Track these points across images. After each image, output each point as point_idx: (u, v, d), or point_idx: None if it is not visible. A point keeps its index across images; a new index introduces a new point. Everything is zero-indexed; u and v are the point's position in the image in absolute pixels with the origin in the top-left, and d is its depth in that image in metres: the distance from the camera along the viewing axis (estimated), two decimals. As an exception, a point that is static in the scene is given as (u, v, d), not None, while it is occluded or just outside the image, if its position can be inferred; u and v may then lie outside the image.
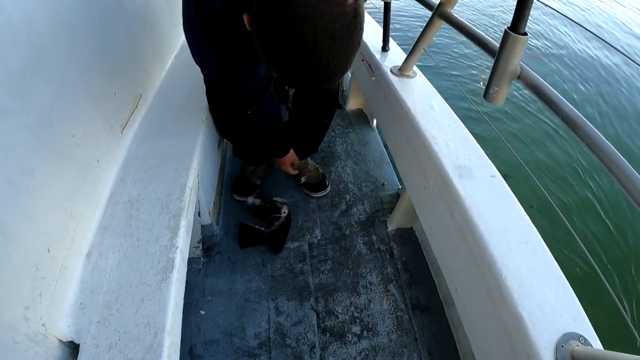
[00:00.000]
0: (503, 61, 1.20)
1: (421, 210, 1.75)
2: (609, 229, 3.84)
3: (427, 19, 1.73)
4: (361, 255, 2.06)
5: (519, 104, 5.44)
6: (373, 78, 2.18)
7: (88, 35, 1.33)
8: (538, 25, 8.44)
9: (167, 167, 1.54)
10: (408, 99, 1.82)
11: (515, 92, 5.50)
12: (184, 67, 2.09)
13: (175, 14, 2.13)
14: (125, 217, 1.37)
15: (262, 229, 2.03)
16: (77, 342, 1.07)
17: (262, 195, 2.21)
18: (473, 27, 1.51)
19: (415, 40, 1.84)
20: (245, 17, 0.92)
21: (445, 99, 1.85)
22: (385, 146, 2.66)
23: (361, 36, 0.83)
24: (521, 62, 1.22)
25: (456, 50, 6.85)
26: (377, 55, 2.20)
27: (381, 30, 2.20)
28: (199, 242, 1.96)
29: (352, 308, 1.85)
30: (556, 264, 1.19)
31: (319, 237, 2.13)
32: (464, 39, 1.56)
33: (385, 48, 2.22)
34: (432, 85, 1.96)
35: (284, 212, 2.09)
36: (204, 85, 1.75)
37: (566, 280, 1.15)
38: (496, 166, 1.51)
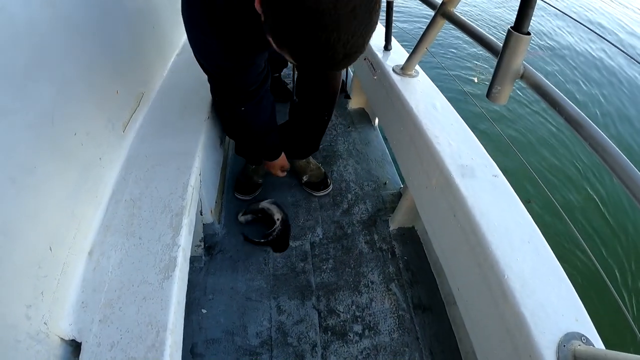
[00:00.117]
0: (506, 61, 1.21)
1: (423, 210, 1.75)
2: (612, 229, 3.83)
3: (430, 18, 1.72)
4: (363, 255, 2.06)
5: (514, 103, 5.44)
6: (375, 77, 2.18)
7: (90, 33, 1.33)
8: (540, 24, 8.43)
9: (169, 166, 1.54)
10: (410, 98, 1.82)
11: (516, 92, 5.49)
12: (186, 66, 2.09)
13: (177, 13, 2.13)
14: (127, 216, 1.36)
15: (262, 240, 2.04)
16: (79, 340, 1.07)
17: (252, 205, 2.18)
18: (476, 26, 1.51)
19: (418, 39, 1.84)
20: None
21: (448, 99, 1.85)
22: (387, 145, 2.66)
23: (378, 17, 0.82)
24: (524, 62, 1.22)
25: (457, 49, 6.85)
26: (380, 54, 2.20)
27: (383, 29, 2.19)
28: (200, 241, 1.97)
29: (354, 307, 1.85)
30: (558, 263, 1.19)
31: (321, 236, 2.13)
32: (467, 38, 1.55)
33: (387, 47, 2.22)
34: (434, 85, 1.95)
35: (278, 219, 2.09)
36: (207, 84, 1.73)
37: (568, 280, 1.15)
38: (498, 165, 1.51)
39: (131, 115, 1.63)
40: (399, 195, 2.33)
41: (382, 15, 2.14)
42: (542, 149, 4.76)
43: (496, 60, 1.25)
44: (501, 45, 1.23)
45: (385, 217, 2.24)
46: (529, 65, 1.22)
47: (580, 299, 1.11)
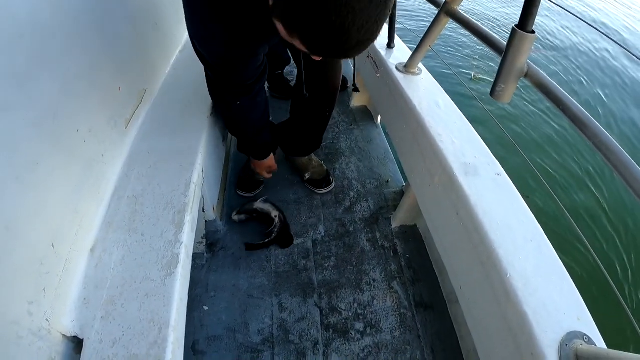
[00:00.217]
0: (510, 59, 1.21)
1: (426, 208, 1.75)
2: (615, 227, 3.82)
3: (434, 16, 1.72)
4: (365, 252, 2.06)
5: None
6: (378, 75, 2.18)
7: (92, 30, 1.32)
8: (544, 23, 8.42)
9: (172, 163, 1.54)
10: (413, 96, 1.81)
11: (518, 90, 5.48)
12: (189, 63, 2.09)
13: (180, 9, 2.13)
14: (129, 213, 1.36)
15: (266, 240, 2.03)
16: (80, 337, 1.07)
17: (247, 205, 2.16)
18: (480, 24, 1.51)
19: (421, 37, 1.83)
20: None
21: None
22: (390, 143, 2.66)
23: (392, 3, 0.81)
24: (528, 61, 1.21)
25: (457, 46, 6.85)
26: (383, 52, 2.20)
27: (386, 26, 2.19)
28: (202, 238, 1.97)
29: (356, 305, 1.85)
30: (560, 262, 1.19)
31: (323, 234, 2.13)
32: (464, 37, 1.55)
33: (390, 45, 2.22)
34: (437, 83, 1.95)
35: (276, 216, 2.09)
36: None
37: (570, 279, 1.15)
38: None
39: (133, 112, 1.63)
40: (401, 193, 2.33)
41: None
42: (544, 147, 4.74)
43: (500, 58, 1.25)
44: (505, 43, 1.23)
45: (388, 215, 2.24)
46: (532, 64, 1.22)
47: (582, 297, 1.11)
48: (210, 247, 2.02)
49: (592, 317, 1.07)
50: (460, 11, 1.61)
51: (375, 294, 1.89)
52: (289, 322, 1.77)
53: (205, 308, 1.78)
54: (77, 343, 1.08)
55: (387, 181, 2.43)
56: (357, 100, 2.99)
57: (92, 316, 1.10)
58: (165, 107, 1.81)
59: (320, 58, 0.93)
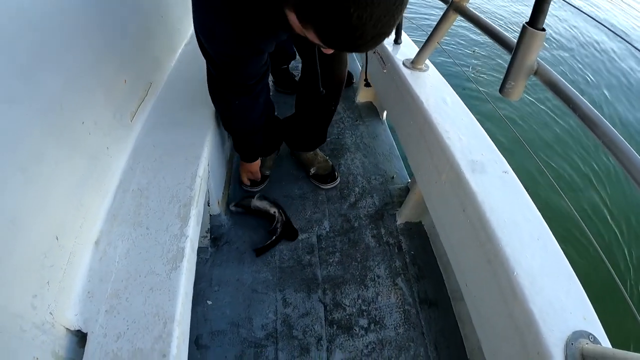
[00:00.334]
0: (520, 56, 1.20)
1: (432, 205, 1.74)
2: (620, 226, 3.81)
3: (442, 12, 1.71)
4: (369, 248, 2.06)
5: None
6: (385, 70, 2.17)
7: (98, 22, 1.31)
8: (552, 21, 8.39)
9: (177, 156, 1.54)
10: (420, 92, 1.81)
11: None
12: (195, 56, 2.06)
13: (186, 2, 2.12)
14: (134, 206, 1.36)
15: (272, 239, 2.02)
16: (84, 331, 1.06)
17: (244, 200, 2.15)
18: (489, 21, 1.50)
19: (429, 33, 1.83)
20: None
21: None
22: (395, 139, 2.65)
23: (407, 1, 0.80)
24: (538, 59, 1.21)
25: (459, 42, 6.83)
26: (389, 47, 2.19)
27: None
28: (207, 232, 1.96)
29: (360, 301, 1.84)
30: (566, 261, 1.19)
31: (328, 229, 2.12)
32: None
33: (397, 41, 2.21)
34: (444, 79, 1.94)
35: (275, 212, 2.07)
36: None
37: (576, 278, 1.15)
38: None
39: (139, 105, 1.62)
40: (406, 190, 2.32)
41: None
42: (549, 144, 4.73)
43: (510, 56, 1.24)
44: (515, 41, 1.22)
45: (393, 212, 2.23)
46: (542, 62, 1.21)
47: (586, 296, 1.11)
48: (214, 241, 2.01)
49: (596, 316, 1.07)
50: (470, 8, 1.60)
51: (379, 290, 1.89)
52: (293, 318, 1.77)
53: (209, 302, 1.78)
54: (80, 337, 1.08)
55: (392, 177, 2.43)
56: (362, 96, 2.98)
57: (96, 310, 1.10)
58: (171, 101, 1.80)
59: (332, 51, 0.92)
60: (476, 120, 1.69)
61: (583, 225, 1.32)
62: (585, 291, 1.12)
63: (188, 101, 1.80)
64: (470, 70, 5.91)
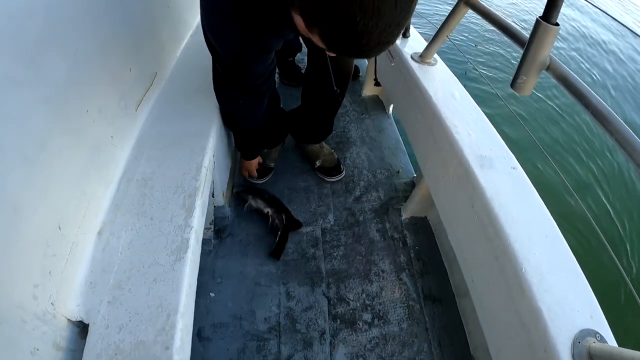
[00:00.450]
0: (533, 51, 1.19)
1: (439, 200, 1.73)
2: (624, 225, 3.80)
3: (452, 6, 1.70)
4: (374, 243, 2.05)
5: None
6: (392, 64, 2.15)
7: (103, 9, 1.30)
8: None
9: (182, 146, 1.52)
10: (429, 86, 1.79)
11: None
12: (200, 47, 2.04)
13: (191, -9, 2.12)
14: (138, 196, 1.35)
15: (278, 237, 2.00)
16: (86, 322, 1.06)
17: (242, 194, 2.14)
18: (501, 15, 1.48)
19: (439, 27, 1.81)
20: None
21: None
22: (401, 133, 2.64)
23: (415, 7, 0.79)
24: (550, 54, 1.19)
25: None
26: (398, 41, 2.17)
27: None
28: (211, 224, 1.95)
29: (364, 295, 1.84)
30: (574, 259, 1.19)
31: (332, 223, 2.11)
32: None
33: (405, 34, 2.19)
34: (452, 74, 1.92)
35: (268, 212, 2.05)
36: None
37: (584, 277, 1.15)
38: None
39: (144, 94, 1.61)
40: (411, 184, 2.31)
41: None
42: (555, 146, 4.72)
43: (522, 50, 1.23)
44: (527, 35, 1.21)
45: (398, 206, 2.22)
46: (555, 57, 1.20)
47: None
48: (217, 233, 2.00)
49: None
50: (480, 1, 1.58)
51: (383, 285, 1.88)
52: (296, 311, 1.76)
53: (212, 295, 1.77)
54: (82, 328, 1.07)
55: (398, 172, 2.41)
56: (368, 90, 2.96)
57: (99, 300, 1.09)
58: (176, 91, 1.79)
59: (335, 55, 0.91)
60: (484, 116, 1.68)
61: (593, 224, 1.31)
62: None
63: (193, 91, 1.78)
64: (475, 47, 5.89)
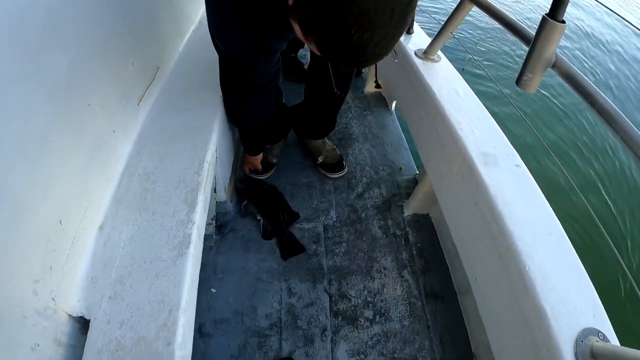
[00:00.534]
0: (539, 48, 1.19)
1: (442, 197, 1.73)
2: (626, 223, 3.80)
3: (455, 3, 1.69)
4: (376, 240, 2.04)
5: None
6: (396, 60, 2.14)
7: (106, 4, 1.29)
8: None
9: (185, 141, 1.51)
10: (433, 83, 1.79)
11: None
12: (202, 42, 2.05)
13: (195, -15, 2.11)
14: (140, 190, 1.34)
15: (280, 238, 1.98)
16: (87, 317, 1.05)
17: (241, 188, 2.16)
18: (506, 12, 1.47)
19: (443, 23, 1.80)
20: None
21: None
22: (404, 130, 2.63)
23: (411, 19, 0.79)
24: (557, 51, 1.19)
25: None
26: (402, 37, 2.16)
27: None
28: (212, 219, 1.95)
29: (366, 292, 1.83)
30: (577, 257, 1.19)
31: (334, 219, 2.11)
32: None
33: (409, 30, 2.19)
34: (456, 71, 1.92)
35: (259, 219, 2.04)
36: None
37: (587, 275, 1.15)
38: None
39: (146, 89, 1.60)
40: (414, 181, 2.30)
41: None
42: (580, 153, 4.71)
43: (528, 48, 1.23)
44: (533, 33, 1.21)
45: (400, 203, 2.21)
46: (561, 55, 1.20)
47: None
48: (219, 228, 2.00)
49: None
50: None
51: (385, 282, 1.87)
52: (298, 308, 1.75)
53: (213, 290, 1.77)
54: (83, 323, 1.07)
55: (400, 168, 2.40)
56: (371, 86, 2.95)
57: (100, 296, 1.08)
58: (179, 86, 1.78)
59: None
60: (488, 113, 1.67)
61: (597, 221, 1.31)
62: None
63: (196, 86, 1.78)
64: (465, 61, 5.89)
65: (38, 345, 0.91)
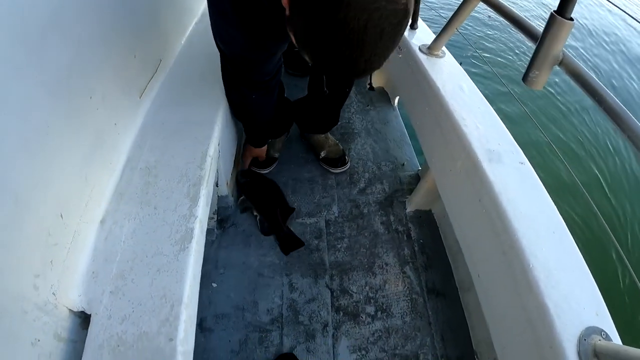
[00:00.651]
0: (546, 45, 1.19)
1: (445, 193, 1.72)
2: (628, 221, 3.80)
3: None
4: (378, 235, 2.04)
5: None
6: (400, 55, 2.13)
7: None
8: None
9: (187, 135, 1.50)
10: (437, 78, 1.78)
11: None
12: (205, 36, 2.03)
13: (197, -20, 2.10)
14: (142, 184, 1.33)
15: (282, 231, 1.97)
16: (88, 312, 1.04)
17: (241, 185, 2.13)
18: (513, 8, 1.46)
19: (448, 19, 1.79)
20: None
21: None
22: (407, 126, 2.62)
23: (402, 36, 0.80)
24: (564, 49, 1.18)
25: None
26: (405, 32, 2.14)
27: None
28: (214, 213, 1.94)
29: (367, 288, 1.83)
30: (581, 256, 1.19)
31: (337, 214, 2.10)
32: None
33: (413, 26, 2.18)
34: (460, 67, 1.91)
35: (256, 215, 2.03)
36: None
37: (590, 274, 1.15)
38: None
39: (148, 81, 1.59)
40: (416, 177, 2.30)
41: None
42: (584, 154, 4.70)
43: (535, 45, 1.23)
44: (540, 30, 1.20)
45: (402, 199, 2.21)
46: (568, 52, 1.19)
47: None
48: (220, 223, 2.00)
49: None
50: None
51: (387, 277, 1.87)
52: (299, 303, 1.75)
53: (214, 285, 1.77)
54: (84, 318, 1.06)
55: (403, 164, 2.40)
56: (374, 81, 2.93)
57: (101, 291, 1.07)
58: (181, 79, 1.76)
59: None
60: (493, 110, 1.66)
61: (601, 218, 1.30)
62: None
63: (198, 79, 1.77)
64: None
65: (38, 340, 0.90)
